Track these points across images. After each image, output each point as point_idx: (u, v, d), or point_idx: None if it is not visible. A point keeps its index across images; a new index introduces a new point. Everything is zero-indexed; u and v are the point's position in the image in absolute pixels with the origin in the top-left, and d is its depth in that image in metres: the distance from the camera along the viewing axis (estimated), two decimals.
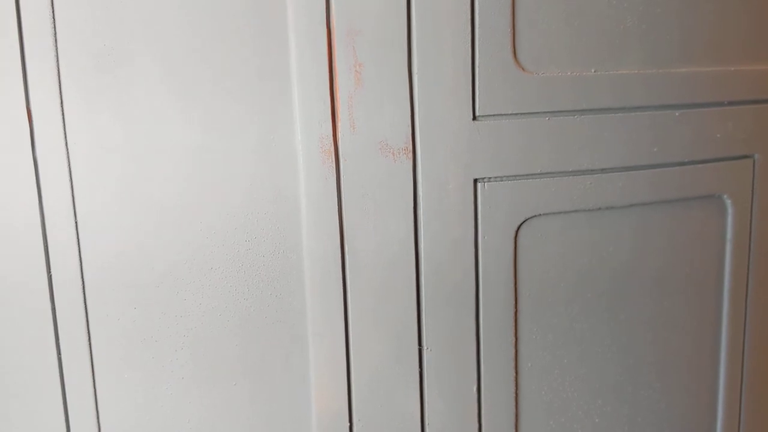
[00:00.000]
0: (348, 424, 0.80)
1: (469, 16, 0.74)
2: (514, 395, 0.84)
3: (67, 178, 0.70)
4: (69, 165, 0.70)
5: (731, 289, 0.93)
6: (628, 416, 0.91)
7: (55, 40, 0.67)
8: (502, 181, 0.79)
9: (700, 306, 0.92)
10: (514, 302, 0.82)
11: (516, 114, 0.78)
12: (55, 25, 0.67)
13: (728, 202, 0.90)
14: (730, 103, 0.87)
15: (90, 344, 0.73)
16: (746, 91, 0.88)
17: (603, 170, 0.82)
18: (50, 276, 0.71)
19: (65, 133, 0.69)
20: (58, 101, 0.68)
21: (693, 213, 0.89)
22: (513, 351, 0.83)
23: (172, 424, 0.76)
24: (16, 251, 0.70)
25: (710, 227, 0.91)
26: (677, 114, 0.84)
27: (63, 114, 0.69)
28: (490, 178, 0.78)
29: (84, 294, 0.72)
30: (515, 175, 0.79)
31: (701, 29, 0.84)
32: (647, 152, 0.84)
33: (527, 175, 0.79)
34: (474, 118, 0.77)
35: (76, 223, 0.71)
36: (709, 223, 0.90)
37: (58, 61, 0.67)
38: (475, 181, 0.78)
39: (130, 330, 0.74)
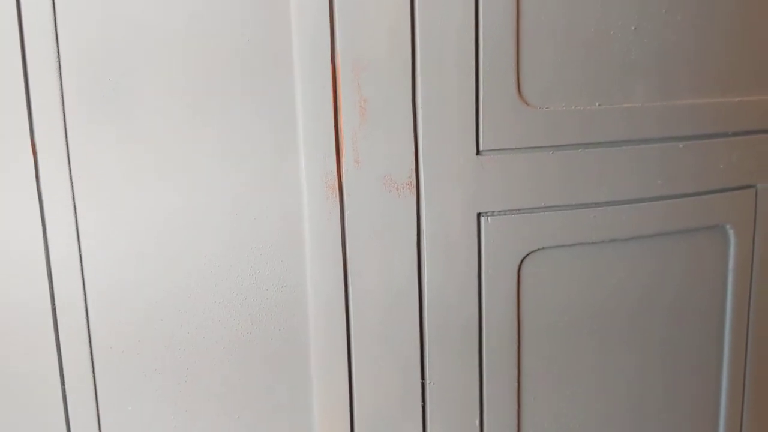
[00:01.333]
0: None
1: (473, 52, 0.75)
2: (516, 427, 0.84)
3: (72, 214, 0.70)
4: (74, 200, 0.70)
5: (733, 319, 0.93)
6: None
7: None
8: (505, 215, 0.79)
9: (702, 335, 0.92)
10: (517, 335, 0.82)
11: (520, 148, 0.78)
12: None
13: (731, 232, 0.90)
14: (734, 134, 0.87)
15: (94, 376, 0.73)
16: (750, 122, 0.88)
17: (607, 203, 0.82)
18: (54, 307, 0.71)
19: (70, 169, 0.69)
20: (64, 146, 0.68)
21: (697, 243, 0.89)
22: (516, 384, 0.83)
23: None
24: (20, 281, 0.70)
25: (713, 257, 0.91)
26: (681, 146, 0.85)
27: (68, 152, 0.69)
28: (493, 212, 0.78)
29: (88, 325, 0.72)
30: (519, 209, 0.79)
31: (705, 61, 0.84)
32: (652, 184, 0.84)
33: (531, 208, 0.79)
34: (478, 152, 0.77)
35: (80, 255, 0.71)
36: (712, 252, 0.90)
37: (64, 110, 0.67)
38: (479, 215, 0.78)
39: (134, 362, 0.74)
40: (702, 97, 0.85)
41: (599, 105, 0.80)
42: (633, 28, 0.80)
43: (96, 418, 0.74)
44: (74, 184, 0.70)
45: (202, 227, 0.73)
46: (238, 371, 0.76)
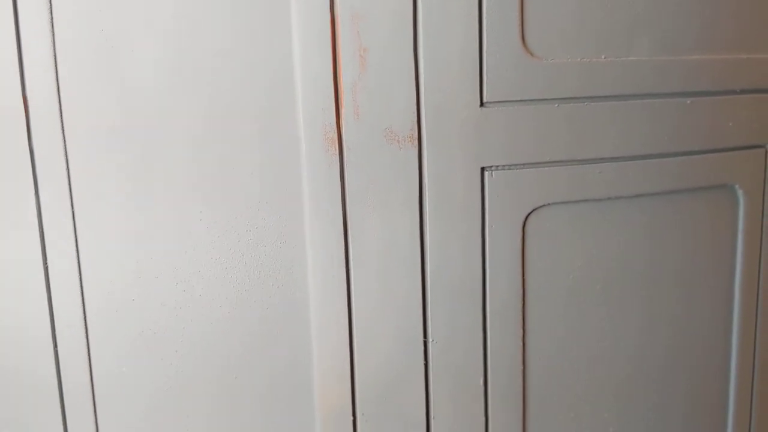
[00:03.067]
0: (351, 417, 0.78)
1: (476, 0, 0.72)
2: (521, 389, 0.82)
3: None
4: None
5: (742, 280, 0.91)
6: (639, 413, 0.89)
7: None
8: (510, 169, 0.77)
9: (711, 295, 0.90)
10: (522, 294, 0.80)
11: (525, 101, 0.76)
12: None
13: (740, 193, 0.88)
14: (743, 92, 0.85)
15: (87, 337, 0.72)
16: (759, 80, 0.86)
17: (613, 159, 0.80)
18: (48, 275, 0.70)
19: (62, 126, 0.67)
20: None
21: (704, 203, 0.87)
22: (521, 344, 0.81)
23: (170, 419, 0.75)
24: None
25: (722, 218, 0.89)
26: (689, 102, 0.83)
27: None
28: (497, 166, 0.76)
29: (81, 287, 0.70)
30: (524, 164, 0.77)
31: (714, 16, 0.82)
32: (658, 141, 0.82)
33: (536, 163, 0.77)
34: (482, 104, 0.75)
35: (72, 204, 0.69)
36: (720, 214, 0.89)
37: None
38: (483, 169, 0.76)
39: (128, 322, 0.72)
40: (709, 53, 0.83)
41: (605, 57, 0.78)
42: None
43: (89, 377, 0.72)
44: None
45: (198, 183, 0.71)
46: (235, 330, 0.74)
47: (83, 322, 0.71)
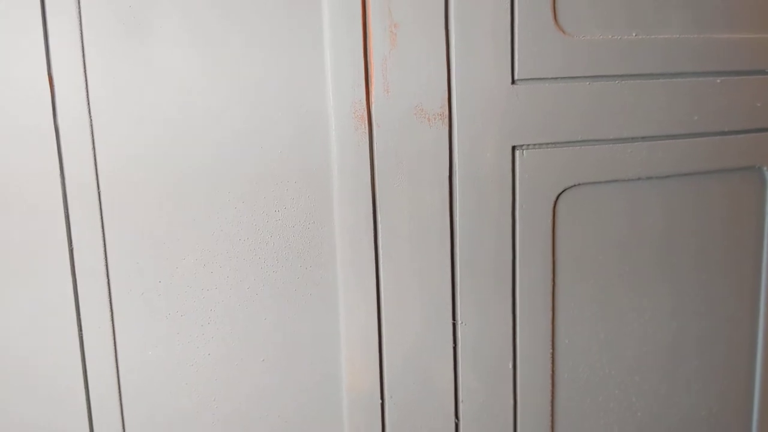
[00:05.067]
0: (380, 400, 0.77)
1: None
2: (550, 372, 0.81)
3: (90, 147, 0.67)
4: (91, 127, 0.66)
5: None
6: (666, 394, 0.88)
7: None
8: (541, 148, 0.76)
9: (738, 278, 0.89)
10: (552, 275, 0.79)
11: (556, 78, 0.75)
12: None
13: (767, 174, 0.87)
14: None
15: (113, 318, 0.70)
16: None
17: (643, 138, 0.79)
18: (71, 249, 0.68)
19: (88, 100, 0.66)
20: (81, 64, 0.65)
21: (732, 185, 0.86)
22: (550, 326, 0.80)
23: (198, 401, 0.73)
24: (34, 217, 0.67)
25: (749, 200, 0.88)
26: (718, 81, 0.82)
27: (86, 77, 0.65)
28: (528, 145, 0.75)
29: (106, 265, 0.69)
30: (555, 143, 0.76)
31: None
32: (688, 120, 0.81)
33: (567, 142, 0.76)
34: (513, 81, 0.74)
35: (98, 189, 0.68)
36: (748, 195, 0.88)
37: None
38: (513, 148, 0.75)
39: (156, 306, 0.71)
40: (739, 32, 0.82)
41: (636, 35, 0.77)
42: None
43: (114, 361, 0.71)
44: (92, 116, 0.66)
45: (226, 162, 0.69)
46: (263, 311, 0.73)
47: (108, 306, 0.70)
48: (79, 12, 0.64)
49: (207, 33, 0.67)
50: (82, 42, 0.65)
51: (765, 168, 0.87)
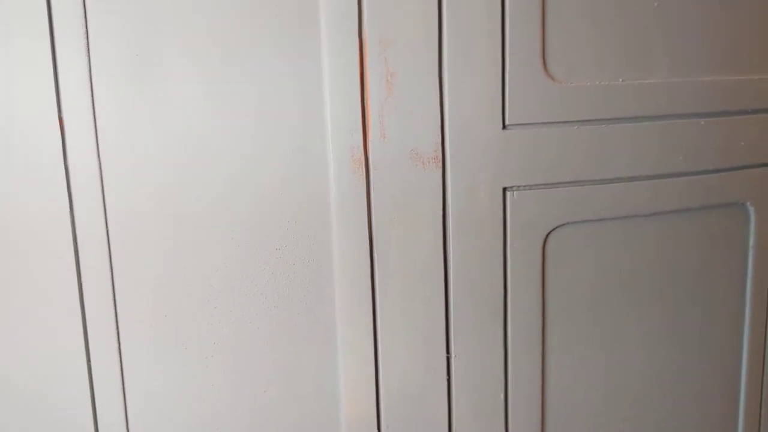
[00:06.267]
0: (377, 430, 0.80)
1: (499, 26, 0.75)
2: (540, 404, 0.84)
3: (98, 182, 0.70)
4: (100, 169, 0.69)
5: (753, 296, 0.93)
6: (653, 423, 0.91)
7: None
8: (531, 189, 0.79)
9: (723, 311, 0.92)
10: (542, 310, 0.82)
11: (545, 123, 0.78)
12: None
13: (751, 210, 0.91)
14: (754, 111, 0.88)
15: (120, 351, 0.73)
16: None
17: (630, 179, 0.82)
18: (80, 282, 0.71)
19: (96, 139, 0.69)
20: (90, 105, 0.68)
21: (717, 220, 0.89)
22: (540, 359, 0.83)
23: (200, 428, 0.76)
24: (44, 257, 0.70)
25: (733, 234, 0.91)
26: (702, 122, 0.85)
27: (95, 118, 0.68)
28: (519, 186, 0.79)
29: (114, 300, 0.72)
30: (544, 184, 0.79)
31: (728, 38, 0.84)
32: (674, 160, 0.84)
33: (556, 183, 0.80)
34: (504, 126, 0.77)
35: (107, 228, 0.71)
36: (732, 230, 0.91)
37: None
38: (504, 189, 0.78)
39: (160, 337, 0.74)
40: (722, 75, 0.86)
41: (622, 81, 0.80)
42: (655, 4, 0.81)
43: (122, 392, 0.74)
44: (101, 154, 0.69)
45: (229, 202, 0.73)
46: (265, 345, 0.76)
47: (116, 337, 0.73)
48: (89, 57, 0.67)
49: (211, 78, 0.70)
50: (91, 85, 0.68)
51: (748, 203, 0.90)
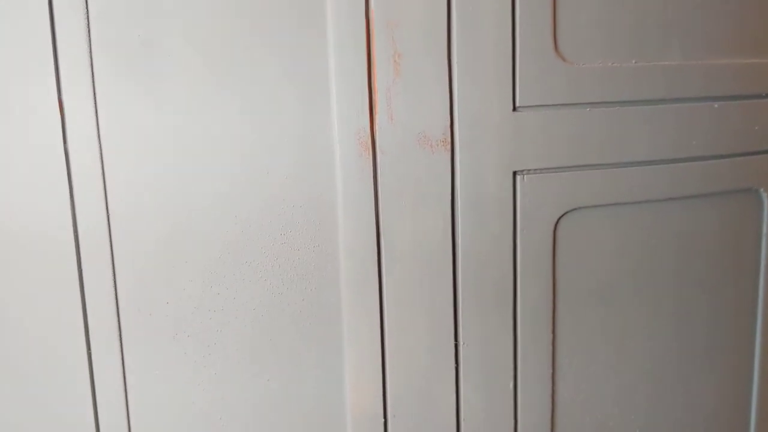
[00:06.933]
0: (383, 419, 0.78)
1: (509, 6, 0.73)
2: (550, 392, 0.83)
3: (100, 172, 0.68)
4: (101, 158, 0.68)
5: (766, 285, 0.91)
6: (665, 412, 0.90)
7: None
8: (541, 173, 0.77)
9: (736, 299, 0.90)
10: (552, 297, 0.80)
11: (556, 105, 0.76)
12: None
13: (764, 196, 0.89)
14: None
15: (121, 340, 0.72)
16: None
17: (642, 163, 0.81)
18: (81, 270, 0.70)
19: (98, 126, 0.67)
20: (91, 93, 0.67)
21: (730, 207, 0.88)
22: (550, 347, 0.81)
23: (203, 421, 0.75)
24: (45, 246, 0.69)
25: (747, 221, 0.89)
26: (716, 106, 0.83)
27: (96, 107, 0.67)
28: (529, 170, 0.77)
29: (115, 289, 0.71)
30: (555, 168, 0.78)
31: (743, 21, 0.83)
32: (686, 144, 0.82)
33: (567, 167, 0.78)
34: (514, 109, 0.75)
35: (107, 214, 0.69)
36: (745, 218, 0.89)
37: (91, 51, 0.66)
38: (514, 173, 0.76)
39: (161, 325, 0.72)
40: (737, 58, 0.84)
41: (635, 62, 0.79)
42: None
43: (122, 381, 0.73)
44: (102, 142, 0.68)
45: (232, 187, 0.71)
46: (268, 333, 0.75)
47: (117, 320, 0.72)
48: (92, 67, 0.66)
49: (212, 60, 0.68)
50: (92, 68, 0.66)
51: (762, 190, 0.88)
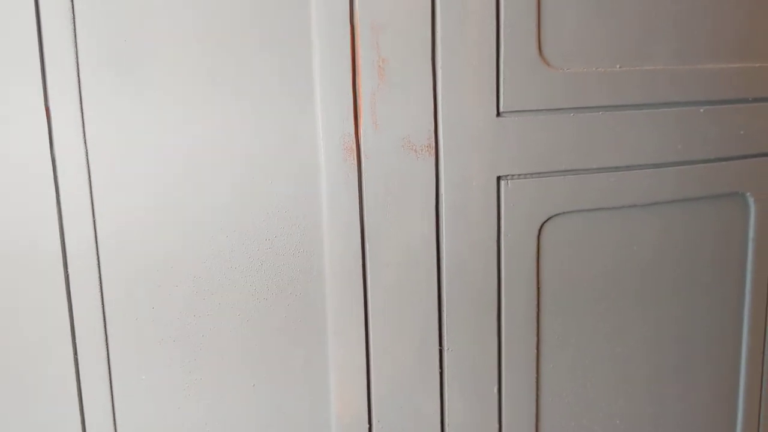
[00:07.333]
0: (367, 425, 0.78)
1: (494, 11, 0.73)
2: (535, 397, 0.83)
3: (86, 177, 0.68)
4: (88, 165, 0.68)
5: (753, 288, 0.92)
6: (651, 416, 0.90)
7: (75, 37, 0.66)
8: (525, 178, 0.77)
9: (722, 304, 0.91)
10: (536, 301, 0.81)
11: (541, 110, 0.76)
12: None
13: (751, 200, 0.89)
14: (755, 100, 0.86)
15: (107, 344, 0.72)
16: None
17: (628, 167, 0.81)
18: (67, 274, 0.70)
19: (84, 132, 0.67)
20: (78, 101, 0.67)
21: (716, 211, 0.88)
22: (535, 351, 0.82)
23: (189, 426, 0.75)
24: (34, 255, 0.69)
25: (733, 225, 0.89)
26: (702, 110, 0.83)
27: (82, 114, 0.67)
28: (513, 175, 0.77)
29: (101, 292, 0.71)
30: (539, 173, 0.78)
31: (727, 25, 0.83)
32: (672, 149, 0.82)
33: (551, 172, 0.78)
34: (498, 114, 0.75)
35: (93, 219, 0.69)
36: (731, 221, 0.89)
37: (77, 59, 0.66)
38: (499, 178, 0.77)
39: (148, 330, 0.72)
40: (722, 62, 0.84)
41: (620, 67, 0.79)
42: None
43: (108, 385, 0.73)
44: (88, 149, 0.68)
45: (218, 193, 0.71)
46: (254, 338, 0.75)
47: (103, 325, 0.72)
48: (78, 74, 0.66)
49: (196, 63, 0.68)
50: (79, 80, 0.66)
51: (748, 194, 0.89)
